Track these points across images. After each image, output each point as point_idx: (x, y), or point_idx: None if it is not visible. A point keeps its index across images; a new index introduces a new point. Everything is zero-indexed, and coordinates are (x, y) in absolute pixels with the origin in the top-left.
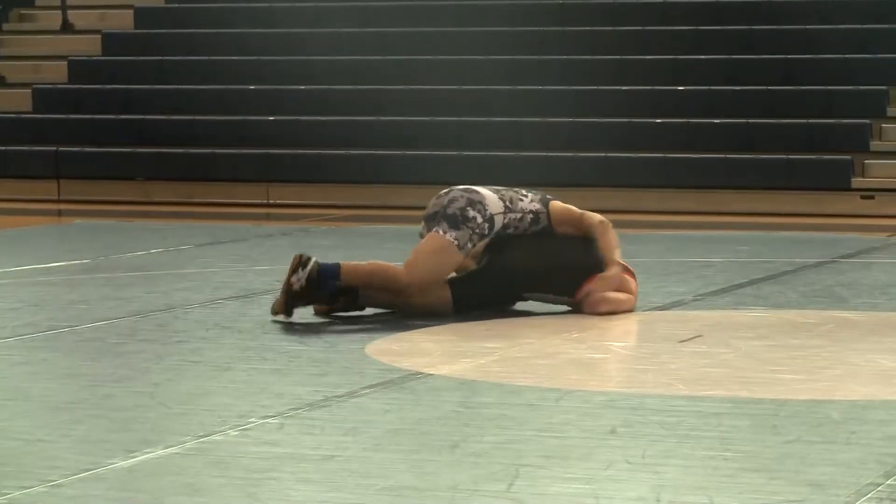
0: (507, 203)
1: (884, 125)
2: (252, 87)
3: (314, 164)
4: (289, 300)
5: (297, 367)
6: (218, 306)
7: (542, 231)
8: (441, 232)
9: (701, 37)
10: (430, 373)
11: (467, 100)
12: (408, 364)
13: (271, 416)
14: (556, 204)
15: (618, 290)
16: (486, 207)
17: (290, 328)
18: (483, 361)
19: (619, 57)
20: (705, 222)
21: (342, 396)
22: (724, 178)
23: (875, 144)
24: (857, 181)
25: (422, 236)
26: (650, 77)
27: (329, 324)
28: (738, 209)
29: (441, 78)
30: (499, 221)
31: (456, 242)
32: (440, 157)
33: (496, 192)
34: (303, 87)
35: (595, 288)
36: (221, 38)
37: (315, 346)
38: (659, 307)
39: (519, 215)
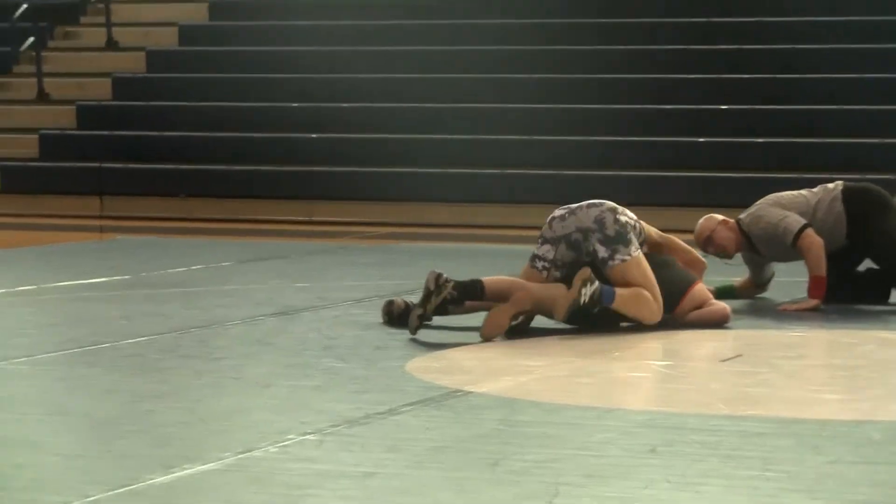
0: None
1: None
2: (295, 105)
3: (355, 182)
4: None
5: (337, 384)
6: (258, 323)
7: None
8: (626, 256)
9: (740, 56)
10: (471, 390)
11: (511, 118)
12: (448, 382)
13: (311, 433)
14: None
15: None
16: (619, 208)
17: (330, 346)
18: (523, 380)
19: (657, 76)
20: None
21: (382, 413)
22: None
23: None
24: None
25: (554, 264)
26: (690, 96)
27: (369, 342)
28: None
29: (486, 96)
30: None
31: (638, 252)
32: (480, 175)
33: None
34: (345, 105)
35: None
36: (265, 56)
37: (355, 364)
38: (697, 327)
39: (633, 222)
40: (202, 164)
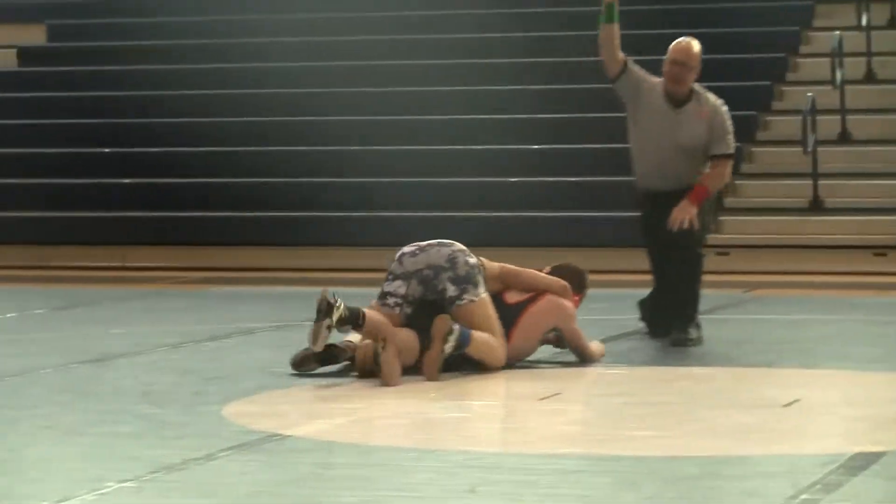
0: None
1: (737, 182)
2: (107, 150)
3: (168, 226)
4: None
5: (153, 430)
6: (72, 370)
7: None
8: (474, 297)
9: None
10: (288, 434)
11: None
12: (265, 425)
13: (129, 480)
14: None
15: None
16: (467, 249)
17: (147, 392)
18: (340, 422)
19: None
20: None
21: (200, 459)
22: (567, 237)
23: (729, 201)
24: (712, 238)
25: (405, 300)
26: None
27: (186, 387)
28: (593, 267)
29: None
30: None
31: (485, 294)
32: (269, 218)
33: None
34: (155, 150)
35: None
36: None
37: (171, 410)
38: (518, 366)
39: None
40: (9, 212)
